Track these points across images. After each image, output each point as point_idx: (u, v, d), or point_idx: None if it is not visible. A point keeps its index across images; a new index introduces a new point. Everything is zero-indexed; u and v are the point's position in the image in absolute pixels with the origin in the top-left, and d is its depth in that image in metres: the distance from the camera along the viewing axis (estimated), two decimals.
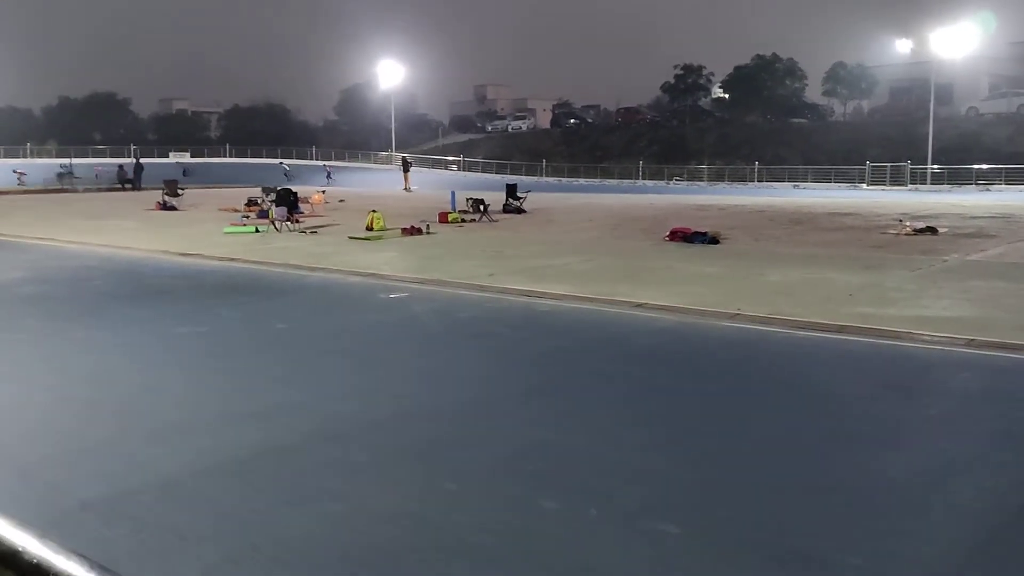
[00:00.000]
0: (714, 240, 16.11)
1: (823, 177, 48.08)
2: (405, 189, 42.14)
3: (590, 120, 75.63)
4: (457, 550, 3.77)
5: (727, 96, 68.48)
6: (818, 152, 52.49)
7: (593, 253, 14.76)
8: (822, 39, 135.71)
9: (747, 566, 3.66)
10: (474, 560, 3.68)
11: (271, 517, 4.04)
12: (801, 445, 5.19)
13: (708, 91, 70.48)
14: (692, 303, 9.67)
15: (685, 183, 52.15)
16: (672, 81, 69.07)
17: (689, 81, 68.64)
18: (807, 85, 64.92)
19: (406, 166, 45.97)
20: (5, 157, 57.94)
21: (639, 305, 9.67)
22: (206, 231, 19.07)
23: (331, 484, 4.48)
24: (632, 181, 53.85)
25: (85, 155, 57.68)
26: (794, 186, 47.20)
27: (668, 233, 16.92)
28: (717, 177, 52.87)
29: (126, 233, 18.75)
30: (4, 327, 9.00)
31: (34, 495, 4.32)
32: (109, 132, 77.28)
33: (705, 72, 68.61)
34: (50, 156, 58.04)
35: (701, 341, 8.24)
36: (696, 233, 16.46)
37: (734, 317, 8.98)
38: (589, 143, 66.92)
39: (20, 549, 0.99)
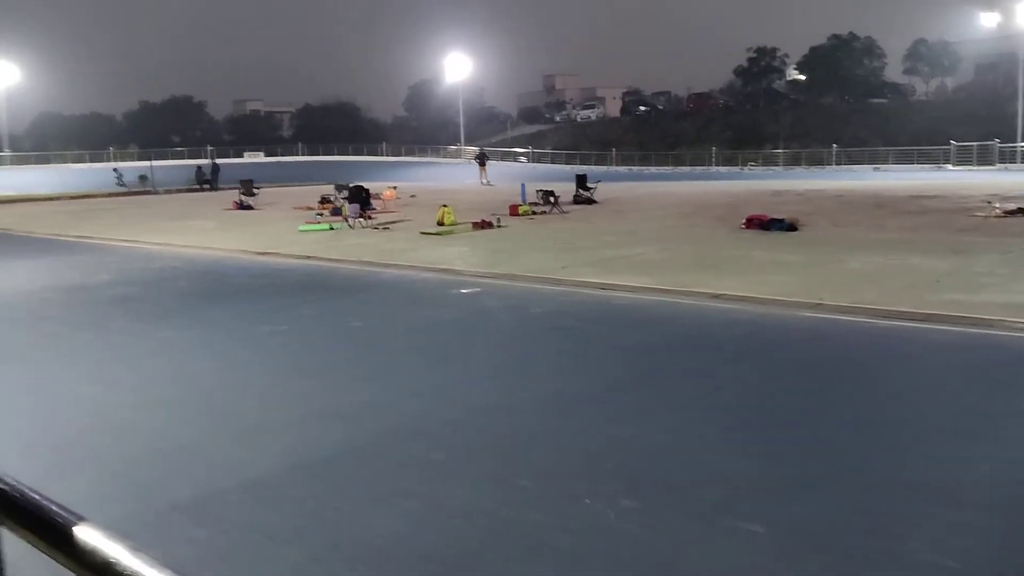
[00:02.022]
0: (792, 227, 15.76)
1: (905, 159, 46.62)
2: (483, 182, 42.16)
3: (660, 107, 74.81)
4: (535, 549, 3.75)
5: (803, 78, 67.01)
6: (899, 133, 50.94)
7: (667, 243, 14.57)
8: (902, 15, 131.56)
9: (835, 566, 3.55)
10: (552, 559, 3.66)
11: (352, 516, 4.09)
12: (888, 440, 5.02)
13: (782, 73, 69.12)
14: (772, 293, 9.46)
15: (760, 168, 51.19)
16: (745, 64, 67.94)
17: (763, 64, 67.48)
18: (887, 64, 63.18)
19: (482, 159, 45.97)
20: (90, 161, 60.12)
21: (717, 296, 9.50)
22: (282, 229, 19.48)
23: (409, 483, 4.51)
24: (705, 168, 53.08)
25: (165, 157, 59.46)
26: (874, 168, 45.90)
27: (744, 220, 16.61)
28: (793, 161, 51.77)
29: (206, 233, 19.27)
30: (94, 329, 9.34)
31: (126, 495, 4.45)
32: (186, 134, 79.85)
33: (779, 54, 67.33)
34: (132, 159, 59.97)
35: (782, 332, 8.05)
36: (773, 220, 16.12)
37: (816, 307, 8.76)
38: (660, 130, 66.20)
39: (113, 561, 1.00)
